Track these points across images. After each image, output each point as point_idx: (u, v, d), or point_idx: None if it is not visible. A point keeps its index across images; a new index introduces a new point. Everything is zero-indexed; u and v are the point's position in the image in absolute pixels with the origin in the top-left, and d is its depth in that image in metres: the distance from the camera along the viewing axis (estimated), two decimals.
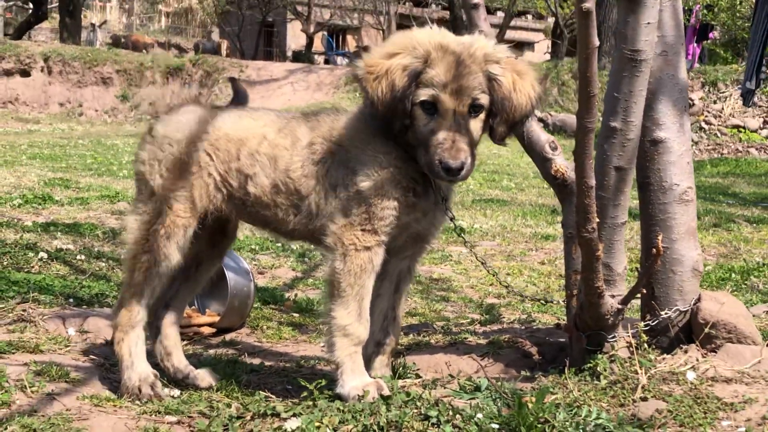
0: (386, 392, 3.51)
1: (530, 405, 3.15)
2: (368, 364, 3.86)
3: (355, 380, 3.58)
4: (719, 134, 22.95)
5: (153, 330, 4.13)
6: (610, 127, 3.78)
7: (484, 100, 3.50)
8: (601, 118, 3.86)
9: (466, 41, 3.55)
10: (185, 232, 3.85)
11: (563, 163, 4.18)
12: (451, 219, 3.79)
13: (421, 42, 3.53)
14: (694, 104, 23.30)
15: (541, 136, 4.23)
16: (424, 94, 3.46)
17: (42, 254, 6.52)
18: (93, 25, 42.41)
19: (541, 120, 22.57)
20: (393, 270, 3.85)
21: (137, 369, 3.84)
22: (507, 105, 3.54)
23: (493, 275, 4.40)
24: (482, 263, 4.28)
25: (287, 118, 3.91)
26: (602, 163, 3.81)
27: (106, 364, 4.23)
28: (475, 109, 3.50)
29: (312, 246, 4.23)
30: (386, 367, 3.95)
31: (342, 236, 3.59)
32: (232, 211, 3.90)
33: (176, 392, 3.86)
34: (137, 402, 3.72)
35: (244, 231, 7.71)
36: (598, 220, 3.50)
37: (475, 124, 3.53)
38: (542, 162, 4.23)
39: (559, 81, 26.33)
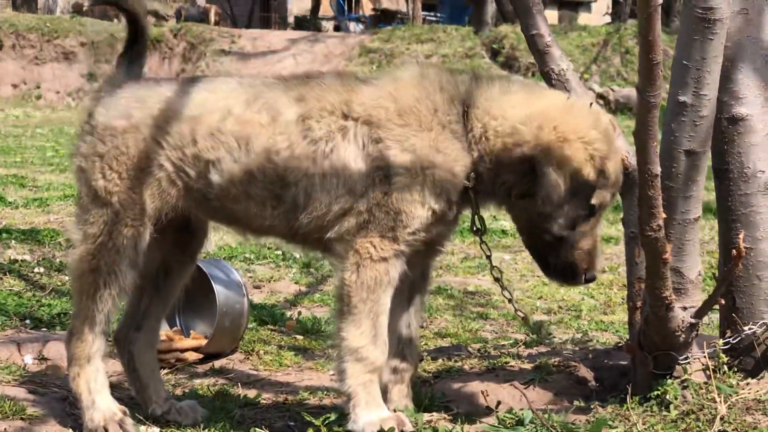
0: (409, 428, 3.54)
1: None
2: (385, 395, 3.84)
3: (370, 414, 3.58)
4: None
5: (125, 356, 4.16)
6: (678, 103, 3.80)
7: None
8: (668, 92, 3.87)
9: (611, 130, 3.68)
10: (136, 243, 3.80)
11: (623, 147, 4.20)
12: (488, 257, 3.97)
13: (593, 130, 3.60)
14: None
15: None
16: (597, 196, 3.61)
17: None
18: None
19: (600, 96, 22.58)
20: (407, 279, 3.83)
21: (100, 407, 3.84)
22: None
23: (501, 286, 4.22)
24: (496, 280, 4.10)
25: (256, 87, 3.83)
26: (670, 147, 3.82)
27: (69, 397, 4.26)
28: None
29: (319, 254, 4.21)
30: (406, 397, 3.96)
31: (354, 243, 3.59)
32: (191, 208, 3.86)
33: (155, 430, 3.91)
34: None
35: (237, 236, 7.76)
36: (665, 215, 3.51)
37: None
38: None
39: (622, 48, 26.30)
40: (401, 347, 3.93)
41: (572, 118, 3.58)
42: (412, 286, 3.90)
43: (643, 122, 3.37)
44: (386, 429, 3.51)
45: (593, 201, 3.58)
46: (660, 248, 3.54)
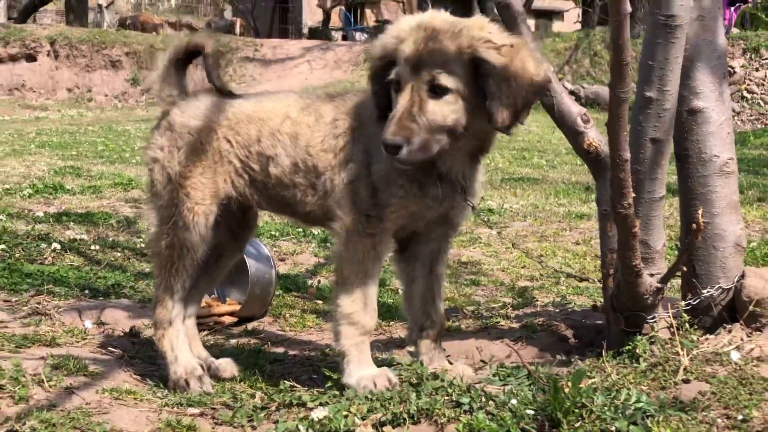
0: (394, 381, 3.55)
1: (567, 389, 3.16)
2: (415, 346, 3.92)
3: (361, 370, 3.62)
4: (762, 103, 22.78)
5: None
6: (645, 97, 3.79)
7: (449, 82, 3.36)
8: (635, 88, 3.85)
9: (457, 22, 3.46)
10: (207, 220, 3.90)
11: (596, 137, 4.19)
12: (473, 208, 3.76)
13: (405, 22, 3.53)
14: (735, 72, 23.11)
15: (573, 108, 4.23)
16: (393, 71, 3.45)
17: (55, 245, 6.60)
18: (100, 5, 42.54)
19: (572, 93, 22.47)
20: (423, 252, 3.86)
21: (182, 362, 3.92)
22: (504, 90, 3.35)
23: (525, 254, 4.39)
24: (513, 245, 4.27)
25: (312, 98, 3.96)
26: (638, 135, 3.81)
27: (125, 356, 4.30)
28: (436, 89, 3.37)
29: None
30: (434, 350, 3.91)
31: (345, 220, 3.63)
32: (253, 195, 3.95)
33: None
34: (186, 395, 3.77)
35: (264, 217, 7.75)
36: (634, 195, 3.50)
37: (437, 107, 3.37)
38: (574, 136, 4.23)
39: (591, 51, 26.19)
40: (426, 309, 3.89)
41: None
42: (431, 259, 3.87)
43: (614, 114, 3.36)
44: (376, 381, 3.54)
45: (390, 77, 3.43)
46: (630, 223, 3.53)
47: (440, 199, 3.62)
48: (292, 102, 3.95)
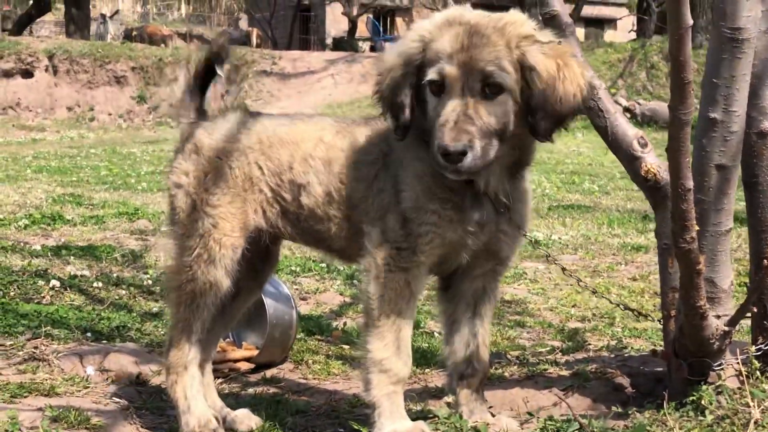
0: None
1: None
2: (455, 395, 3.92)
3: (394, 423, 3.58)
4: None
5: None
6: (709, 119, 3.78)
7: (504, 80, 3.35)
8: (698, 109, 3.85)
9: (492, 15, 3.46)
10: (234, 254, 3.91)
11: (655, 162, 4.18)
12: (518, 228, 3.72)
13: (426, 23, 3.52)
14: None
15: (628, 130, 4.23)
16: (430, 72, 3.39)
17: (54, 282, 6.66)
18: (103, 16, 43.10)
19: (627, 110, 22.47)
20: (467, 291, 3.85)
21: (195, 413, 3.92)
22: (549, 96, 3.39)
23: (578, 282, 4.36)
24: (563, 269, 4.26)
25: (348, 121, 4.00)
26: (701, 161, 3.81)
27: (131, 407, 4.32)
28: (490, 88, 3.36)
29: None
30: (475, 401, 3.89)
31: (375, 255, 3.60)
32: (286, 227, 3.96)
33: None
34: None
35: (283, 250, 7.79)
36: (698, 227, 3.49)
37: (491, 109, 3.37)
38: (630, 161, 4.23)
39: (648, 63, 26.18)
40: (468, 355, 3.88)
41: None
42: (476, 299, 3.86)
43: (675, 138, 3.36)
44: None
45: (428, 77, 3.38)
46: (694, 259, 3.52)
47: (481, 223, 3.59)
48: (327, 125, 3.97)
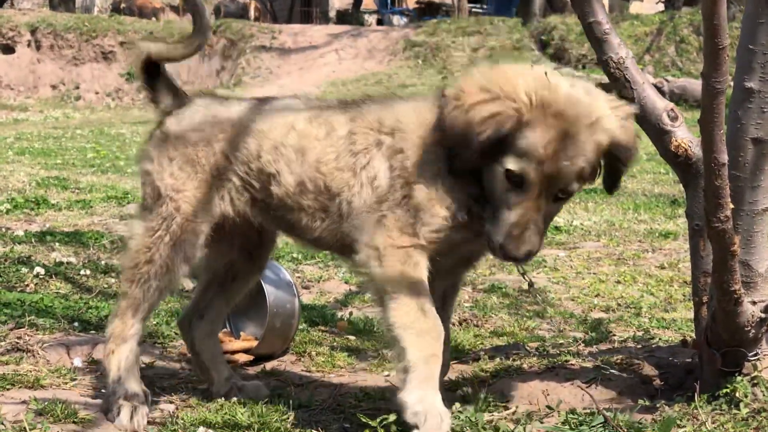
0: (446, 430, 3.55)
1: None
2: None
3: (427, 392, 3.57)
4: None
5: (188, 342, 4.59)
6: (744, 89, 3.77)
7: (577, 186, 3.61)
8: (733, 79, 3.84)
9: (578, 96, 3.55)
10: (195, 239, 4.13)
11: (686, 137, 4.17)
12: (522, 274, 4.24)
13: (523, 91, 3.53)
14: None
15: (657, 102, 4.22)
16: (512, 163, 3.51)
17: (38, 269, 6.67)
18: None
19: (654, 87, 22.39)
20: (437, 289, 4.01)
21: (124, 385, 4.10)
22: (630, 162, 3.70)
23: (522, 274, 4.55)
24: (522, 274, 4.54)
25: (321, 107, 4.14)
26: (736, 135, 3.80)
27: None
28: (564, 194, 3.61)
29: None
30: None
31: (374, 241, 3.73)
32: (256, 217, 4.17)
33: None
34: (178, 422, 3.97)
35: (284, 237, 7.80)
36: (732, 206, 3.49)
37: (558, 207, 3.70)
38: (659, 136, 4.22)
39: (677, 37, 26.12)
40: None
41: (492, 75, 3.62)
42: (444, 296, 4.12)
43: (708, 109, 3.35)
44: (442, 417, 3.53)
45: (510, 166, 3.49)
46: (728, 240, 3.51)
47: (479, 233, 3.72)
48: (299, 111, 4.12)
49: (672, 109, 4.23)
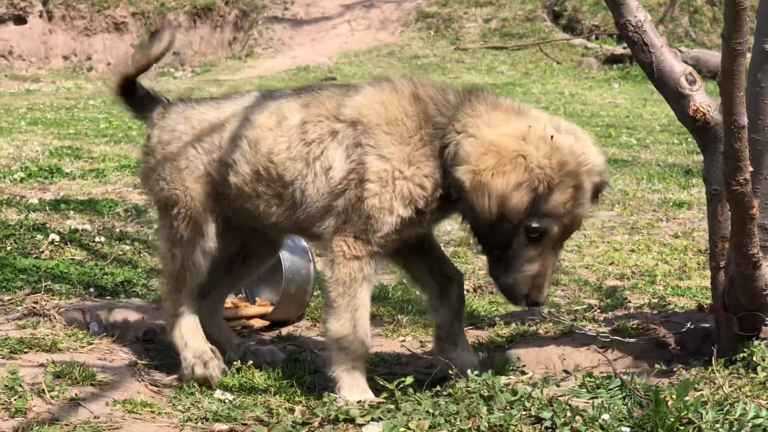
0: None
1: (670, 402, 3.16)
2: (452, 339, 4.26)
3: (354, 397, 3.87)
4: None
5: None
6: (764, 51, 3.75)
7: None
8: (753, 42, 3.82)
9: (577, 147, 3.75)
10: (202, 233, 4.38)
11: (704, 101, 4.14)
12: (543, 318, 4.83)
13: (543, 158, 3.69)
14: None
15: (675, 66, 4.19)
16: (536, 222, 3.71)
17: (53, 236, 6.68)
18: None
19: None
20: (405, 255, 4.30)
21: (191, 347, 4.31)
22: (596, 201, 3.99)
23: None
24: (543, 318, 5.00)
25: (276, 96, 4.30)
26: (756, 97, 3.78)
27: (138, 364, 4.35)
28: (568, 237, 3.93)
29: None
30: (460, 329, 4.31)
31: (331, 241, 4.00)
32: (221, 209, 4.37)
33: (228, 396, 3.97)
34: (195, 385, 4.15)
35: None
36: (752, 169, 3.47)
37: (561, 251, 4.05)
38: (677, 99, 4.20)
39: (690, 7, 25.94)
40: (435, 271, 4.28)
41: (516, 145, 3.72)
42: (418, 255, 4.30)
43: (728, 71, 3.33)
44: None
45: (534, 225, 3.69)
46: (746, 203, 3.50)
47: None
48: (254, 103, 4.30)
49: (690, 73, 4.20)
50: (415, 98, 3.97)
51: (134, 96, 4.60)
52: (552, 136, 3.71)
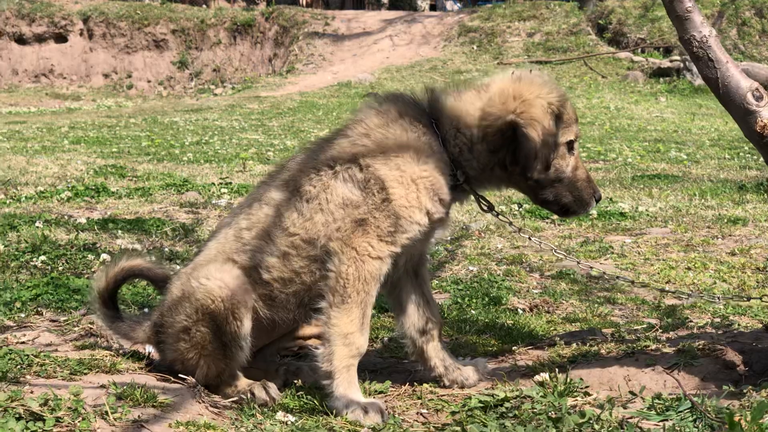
0: (386, 416, 4.04)
1: (744, 425, 3.14)
2: (421, 355, 4.64)
3: (351, 395, 4.11)
4: None
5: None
6: None
7: None
8: None
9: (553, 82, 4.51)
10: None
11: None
12: (509, 223, 4.84)
13: (555, 97, 4.33)
14: None
15: (741, 81, 4.18)
16: (571, 132, 4.37)
17: (104, 256, 6.75)
18: None
19: None
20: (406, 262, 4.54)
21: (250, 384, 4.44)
22: None
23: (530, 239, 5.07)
24: (519, 230, 5.21)
25: (254, 197, 4.52)
26: None
27: (198, 384, 4.37)
28: None
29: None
30: (442, 351, 4.66)
31: (353, 242, 4.16)
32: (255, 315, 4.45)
33: (290, 418, 3.99)
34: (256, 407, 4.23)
35: None
36: None
37: None
38: (743, 116, 4.19)
39: (739, 20, 25.84)
40: (422, 311, 4.64)
41: (525, 85, 4.31)
42: (414, 265, 4.60)
43: None
44: (368, 411, 4.01)
45: (562, 139, 4.31)
46: None
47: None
48: (236, 213, 4.55)
49: (757, 89, 4.19)
50: (394, 115, 4.32)
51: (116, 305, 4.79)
52: (531, 70, 4.51)
